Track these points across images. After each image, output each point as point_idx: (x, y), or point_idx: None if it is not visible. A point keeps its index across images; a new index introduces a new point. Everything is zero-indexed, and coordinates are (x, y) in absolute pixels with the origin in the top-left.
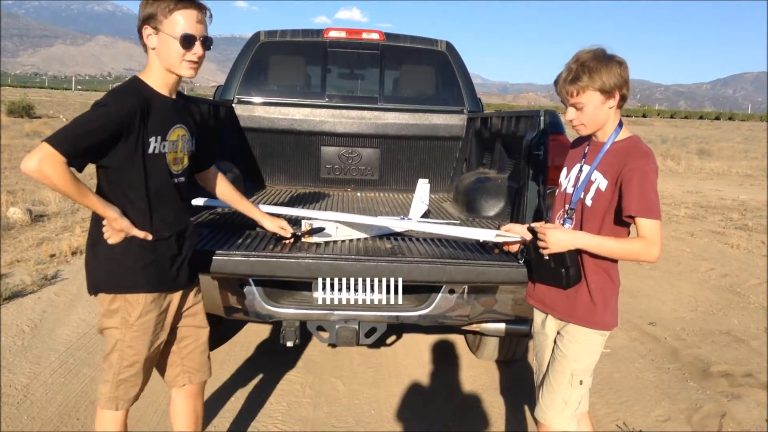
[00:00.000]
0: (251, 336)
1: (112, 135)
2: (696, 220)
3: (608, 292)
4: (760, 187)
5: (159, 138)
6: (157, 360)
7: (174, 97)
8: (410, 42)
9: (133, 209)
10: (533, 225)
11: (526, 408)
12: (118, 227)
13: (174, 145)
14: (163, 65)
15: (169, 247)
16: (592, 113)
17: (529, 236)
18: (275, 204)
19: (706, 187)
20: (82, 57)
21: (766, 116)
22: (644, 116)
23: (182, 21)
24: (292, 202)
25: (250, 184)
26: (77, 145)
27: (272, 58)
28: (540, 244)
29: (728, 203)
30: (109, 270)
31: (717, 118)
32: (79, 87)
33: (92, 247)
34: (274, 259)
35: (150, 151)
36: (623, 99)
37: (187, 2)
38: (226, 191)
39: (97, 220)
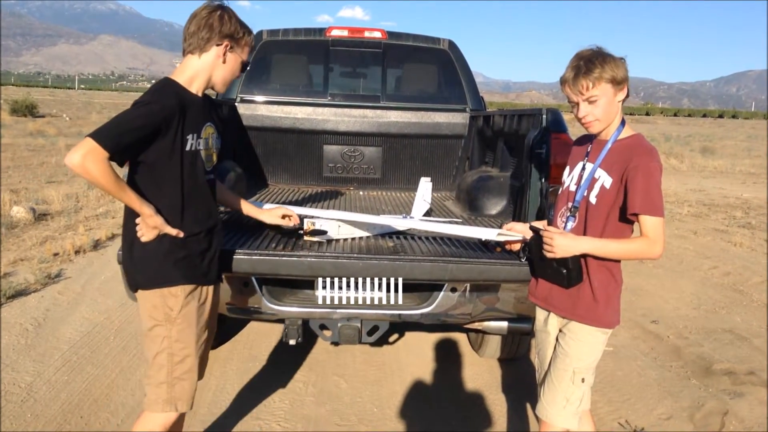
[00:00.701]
0: (254, 334)
1: (153, 132)
2: (699, 218)
3: (611, 290)
4: (764, 185)
5: (195, 135)
6: None
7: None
8: (413, 40)
9: (166, 205)
10: (535, 224)
11: (529, 406)
12: (152, 224)
13: (206, 142)
14: (214, 74)
15: (200, 243)
16: (605, 106)
17: (530, 234)
18: (278, 203)
19: (709, 185)
20: (85, 56)
21: None
22: (647, 114)
23: (248, 51)
24: (294, 201)
25: (252, 183)
26: (120, 141)
27: (275, 57)
28: (545, 248)
29: (731, 201)
30: (144, 267)
31: (720, 116)
32: (82, 86)
33: (128, 245)
34: (277, 258)
35: (187, 148)
36: (628, 92)
37: (254, 39)
38: (222, 195)
39: (131, 220)
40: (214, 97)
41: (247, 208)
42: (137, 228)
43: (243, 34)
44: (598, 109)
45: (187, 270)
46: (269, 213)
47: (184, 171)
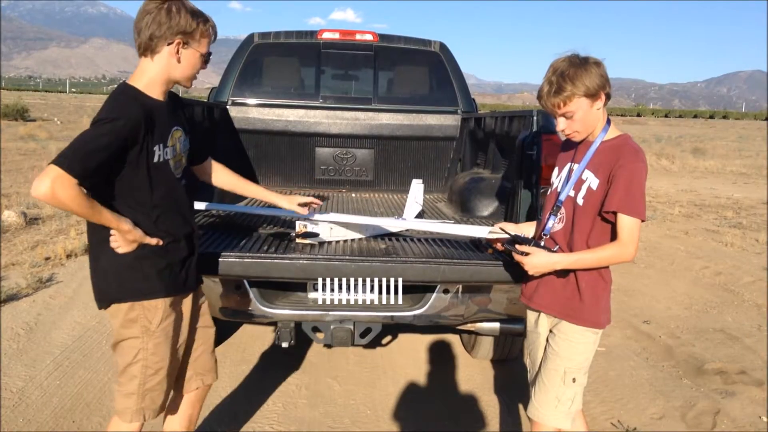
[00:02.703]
0: (247, 337)
1: (120, 149)
2: (690, 219)
3: (599, 290)
4: (755, 185)
5: (161, 146)
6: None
7: (165, 99)
8: (404, 43)
9: (140, 217)
10: (513, 228)
11: (521, 407)
12: (131, 238)
13: (173, 149)
14: (172, 74)
15: (180, 251)
16: (582, 119)
17: (520, 232)
18: (270, 205)
19: (700, 186)
20: (77, 59)
21: (760, 114)
22: (639, 115)
23: (207, 41)
24: None
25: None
26: (87, 164)
27: (266, 60)
28: (517, 260)
29: (722, 201)
30: (121, 279)
31: (711, 117)
32: (73, 89)
33: (96, 258)
34: (269, 260)
35: (155, 160)
36: (608, 97)
37: (213, 26)
38: (226, 179)
39: (96, 231)
40: (206, 99)
41: (259, 191)
42: (112, 239)
43: (196, 26)
44: (576, 123)
45: (169, 281)
46: (288, 200)
47: (153, 183)
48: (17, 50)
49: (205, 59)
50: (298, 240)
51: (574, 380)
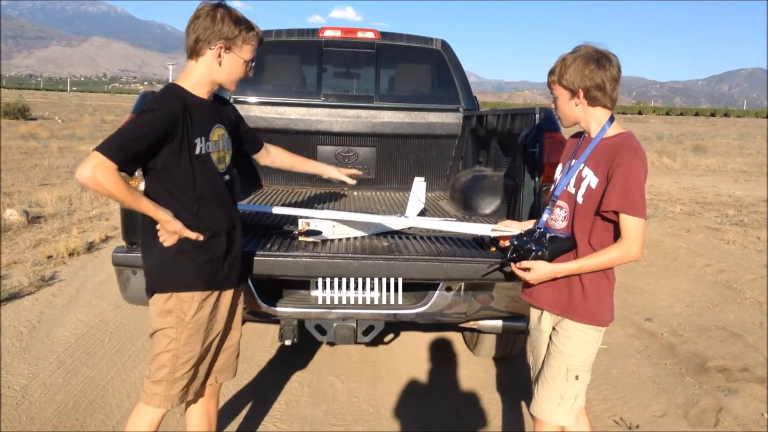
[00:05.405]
0: (249, 335)
1: (158, 139)
2: (692, 217)
3: (602, 288)
4: (756, 183)
5: (203, 139)
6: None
7: (209, 98)
8: (405, 41)
9: (183, 210)
10: (517, 246)
11: (524, 405)
12: (171, 229)
13: (216, 144)
14: (214, 76)
15: (221, 246)
16: (561, 106)
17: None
18: (273, 204)
19: (701, 184)
20: (77, 58)
21: (761, 112)
22: (640, 113)
23: (251, 48)
24: (289, 202)
25: (246, 184)
26: (127, 151)
27: (268, 58)
28: (519, 275)
29: (724, 199)
30: (163, 270)
31: (712, 115)
32: (74, 88)
33: (146, 249)
34: (272, 258)
35: (197, 152)
36: (593, 99)
37: (257, 34)
38: (286, 159)
39: (148, 224)
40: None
41: (313, 165)
42: (159, 234)
43: (239, 32)
44: (558, 108)
45: (208, 275)
46: (337, 170)
47: (196, 174)
48: (18, 49)
49: (249, 65)
50: (301, 238)
51: (577, 378)
